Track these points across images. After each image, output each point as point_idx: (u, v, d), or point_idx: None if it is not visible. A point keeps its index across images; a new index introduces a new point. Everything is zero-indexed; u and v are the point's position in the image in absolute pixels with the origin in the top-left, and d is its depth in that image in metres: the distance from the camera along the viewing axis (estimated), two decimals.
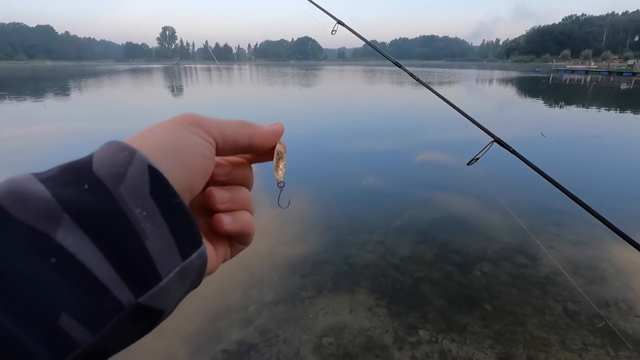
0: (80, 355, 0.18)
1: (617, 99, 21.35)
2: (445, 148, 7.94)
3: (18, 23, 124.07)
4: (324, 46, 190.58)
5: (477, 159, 1.29)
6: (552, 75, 43.50)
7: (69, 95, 20.47)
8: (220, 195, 0.29)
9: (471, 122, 1.41)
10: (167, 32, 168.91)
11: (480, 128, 1.36)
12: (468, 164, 1.33)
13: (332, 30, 1.50)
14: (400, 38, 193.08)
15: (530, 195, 5.03)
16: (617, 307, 2.78)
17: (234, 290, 3.04)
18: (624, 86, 27.36)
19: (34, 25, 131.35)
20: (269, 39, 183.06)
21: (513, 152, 1.29)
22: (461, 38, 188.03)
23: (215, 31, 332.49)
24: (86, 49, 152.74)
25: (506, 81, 33.12)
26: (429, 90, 1.53)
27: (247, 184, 0.33)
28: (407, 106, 16.43)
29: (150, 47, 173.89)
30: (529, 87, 27.50)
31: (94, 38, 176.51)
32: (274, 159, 0.33)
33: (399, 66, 1.57)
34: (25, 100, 17.71)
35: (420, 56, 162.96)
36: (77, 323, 0.18)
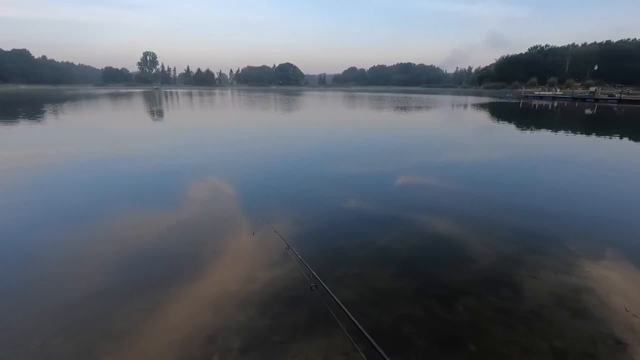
0: None
1: (583, 122, 22.43)
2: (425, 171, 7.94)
3: None
4: (305, 72, 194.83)
5: None
6: (522, 101, 45.58)
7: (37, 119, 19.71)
8: None
9: None
10: (147, 57, 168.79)
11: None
12: None
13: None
14: (378, 65, 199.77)
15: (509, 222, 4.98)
16: (604, 344, 2.65)
17: (197, 335, 2.74)
18: (587, 111, 28.89)
19: (9, 49, 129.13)
20: (251, 65, 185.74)
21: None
22: (436, 65, 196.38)
23: (197, 56, 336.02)
24: (64, 73, 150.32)
25: (481, 106, 34.44)
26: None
27: None
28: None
29: (130, 71, 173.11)
30: (503, 112, 28.61)
31: (72, 62, 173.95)
32: None
33: None
34: None
35: (398, 82, 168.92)
36: None
